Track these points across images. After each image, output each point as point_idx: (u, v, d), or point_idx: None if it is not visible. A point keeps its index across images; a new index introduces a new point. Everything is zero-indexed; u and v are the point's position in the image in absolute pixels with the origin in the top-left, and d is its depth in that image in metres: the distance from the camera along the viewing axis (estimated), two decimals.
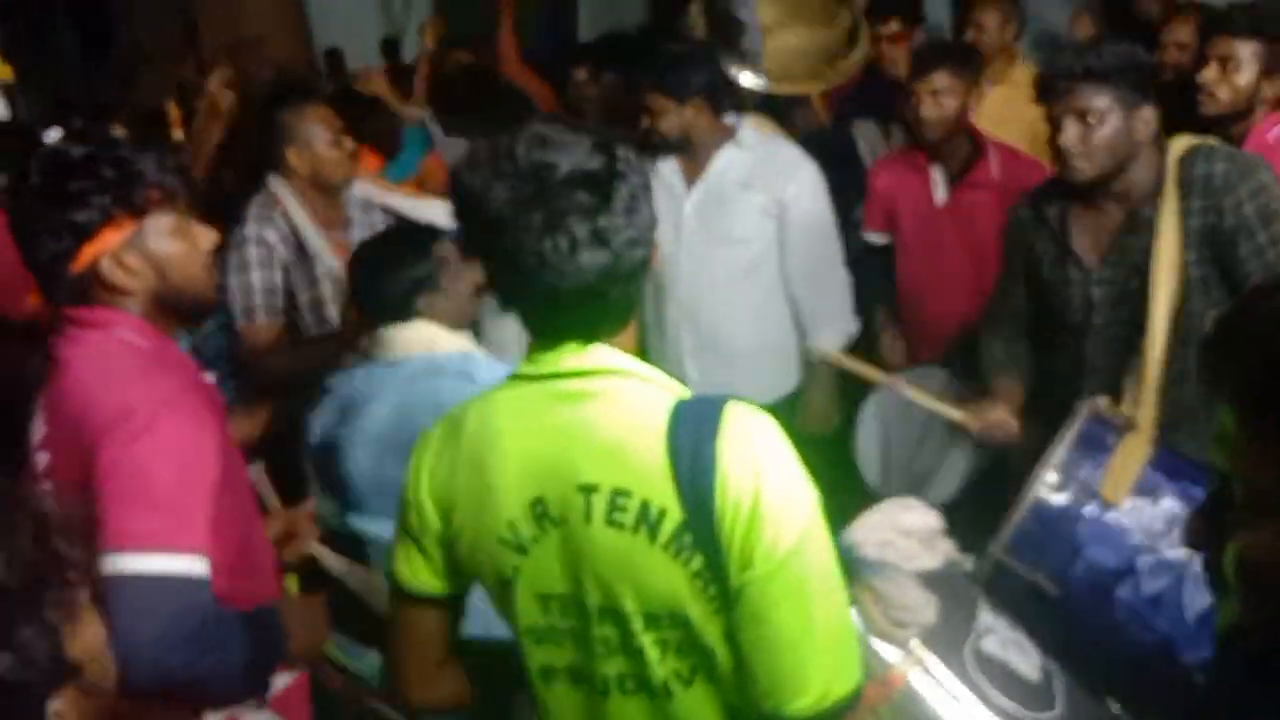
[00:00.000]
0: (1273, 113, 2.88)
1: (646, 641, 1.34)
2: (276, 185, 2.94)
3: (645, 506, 1.29)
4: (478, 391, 1.97)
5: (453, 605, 1.52)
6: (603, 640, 1.37)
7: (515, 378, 1.40)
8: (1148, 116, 2.31)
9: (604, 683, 1.40)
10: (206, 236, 1.77)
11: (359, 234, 2.97)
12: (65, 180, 1.64)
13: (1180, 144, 2.36)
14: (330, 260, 2.92)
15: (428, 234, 2.35)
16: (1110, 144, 2.30)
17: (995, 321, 2.75)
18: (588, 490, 1.31)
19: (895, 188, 3.34)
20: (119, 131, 7.79)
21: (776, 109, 3.83)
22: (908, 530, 1.80)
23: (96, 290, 1.69)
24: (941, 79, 3.11)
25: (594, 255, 1.26)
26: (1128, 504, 2.12)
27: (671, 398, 1.33)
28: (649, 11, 6.00)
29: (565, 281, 1.26)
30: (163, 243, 1.70)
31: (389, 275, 2.25)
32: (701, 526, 1.27)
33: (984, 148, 3.19)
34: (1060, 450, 2.19)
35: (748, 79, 3.69)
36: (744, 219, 3.07)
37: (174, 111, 7.36)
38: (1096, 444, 2.21)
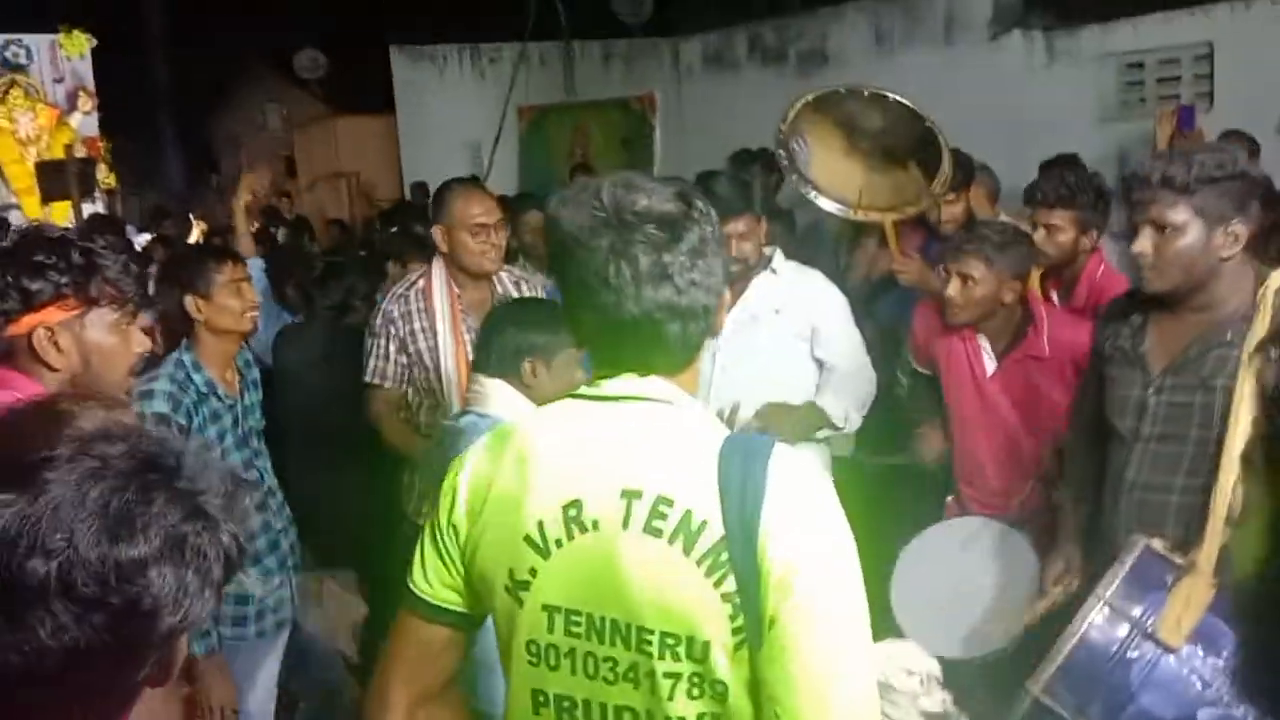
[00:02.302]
0: (1093, 256, 3.46)
1: (659, 670, 1.30)
2: (436, 264, 3.26)
3: (687, 516, 1.28)
4: None
5: (461, 626, 1.48)
6: (610, 663, 1.33)
7: (571, 396, 1.43)
8: (1237, 232, 2.15)
9: (602, 712, 1.35)
10: (140, 341, 1.91)
11: None
12: (34, 251, 1.80)
13: (1279, 276, 2.21)
14: (450, 346, 3.17)
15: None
16: (1185, 258, 2.16)
17: (1074, 435, 2.64)
18: (630, 495, 1.31)
19: (938, 346, 3.29)
20: (199, 230, 8.30)
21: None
22: (909, 669, 1.76)
23: (21, 357, 1.80)
24: (972, 266, 3.01)
25: (655, 288, 1.30)
26: (1186, 649, 1.94)
27: (723, 430, 1.37)
28: (727, 158, 6.22)
29: (625, 308, 1.30)
30: (99, 334, 1.84)
31: (509, 329, 2.34)
32: (741, 545, 1.26)
33: (1037, 317, 3.10)
34: (1113, 584, 2.02)
35: (827, 204, 3.74)
36: (777, 341, 3.15)
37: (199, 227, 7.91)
38: (1152, 581, 2.02)
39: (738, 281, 3.16)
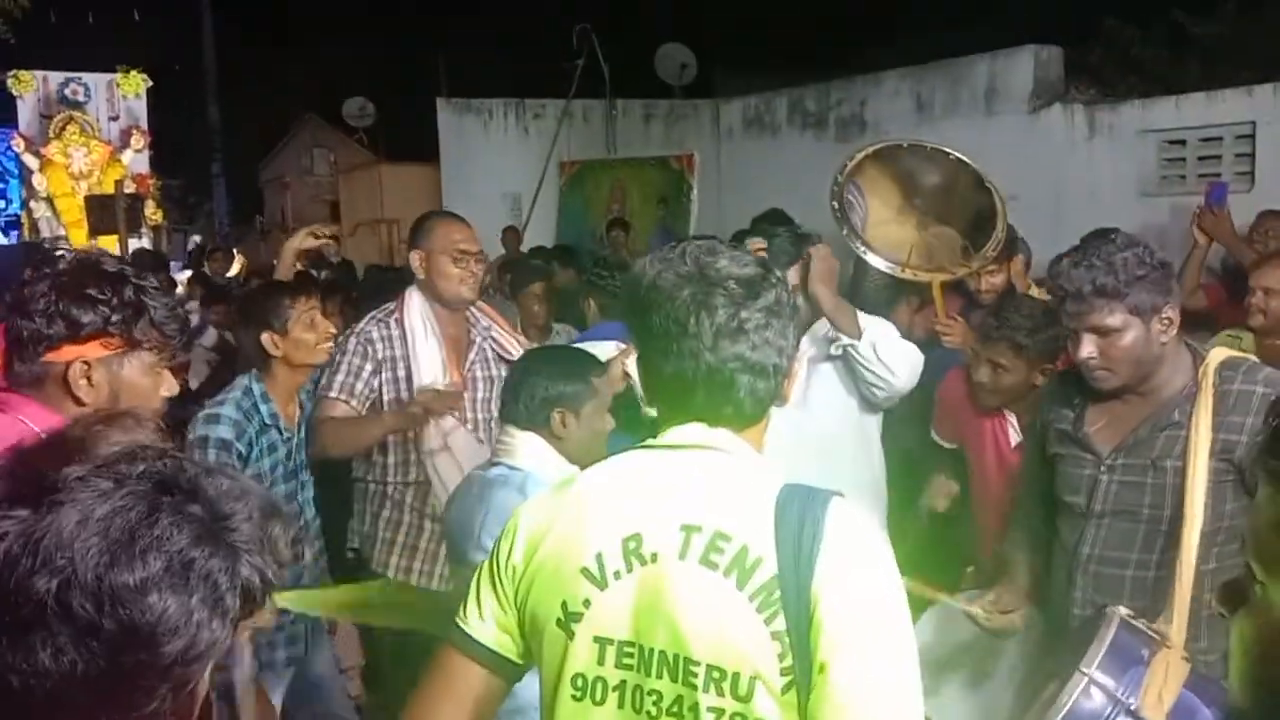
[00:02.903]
0: None
1: (703, 704, 1.31)
2: (412, 294, 3.19)
3: (743, 552, 1.32)
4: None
5: (504, 673, 1.48)
6: (655, 696, 1.34)
7: (638, 447, 1.48)
8: (1169, 315, 2.24)
9: None
10: (169, 386, 1.88)
11: (477, 359, 3.25)
12: (88, 282, 1.75)
13: (1219, 354, 2.30)
14: (434, 375, 3.11)
15: (592, 362, 2.45)
16: (1132, 354, 2.24)
17: (1020, 504, 2.67)
18: (689, 529, 1.35)
19: (965, 419, 3.29)
20: (240, 265, 8.46)
21: None
22: None
23: (51, 384, 1.75)
24: (1001, 353, 3.03)
25: (731, 341, 1.37)
26: None
27: (783, 478, 1.40)
28: (754, 218, 6.24)
29: (702, 357, 1.37)
30: (134, 375, 1.79)
31: (536, 379, 2.35)
32: (795, 586, 1.29)
33: None
34: (1096, 658, 2.04)
35: (876, 260, 3.69)
36: (827, 378, 3.09)
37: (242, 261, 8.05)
38: (1131, 656, 2.05)
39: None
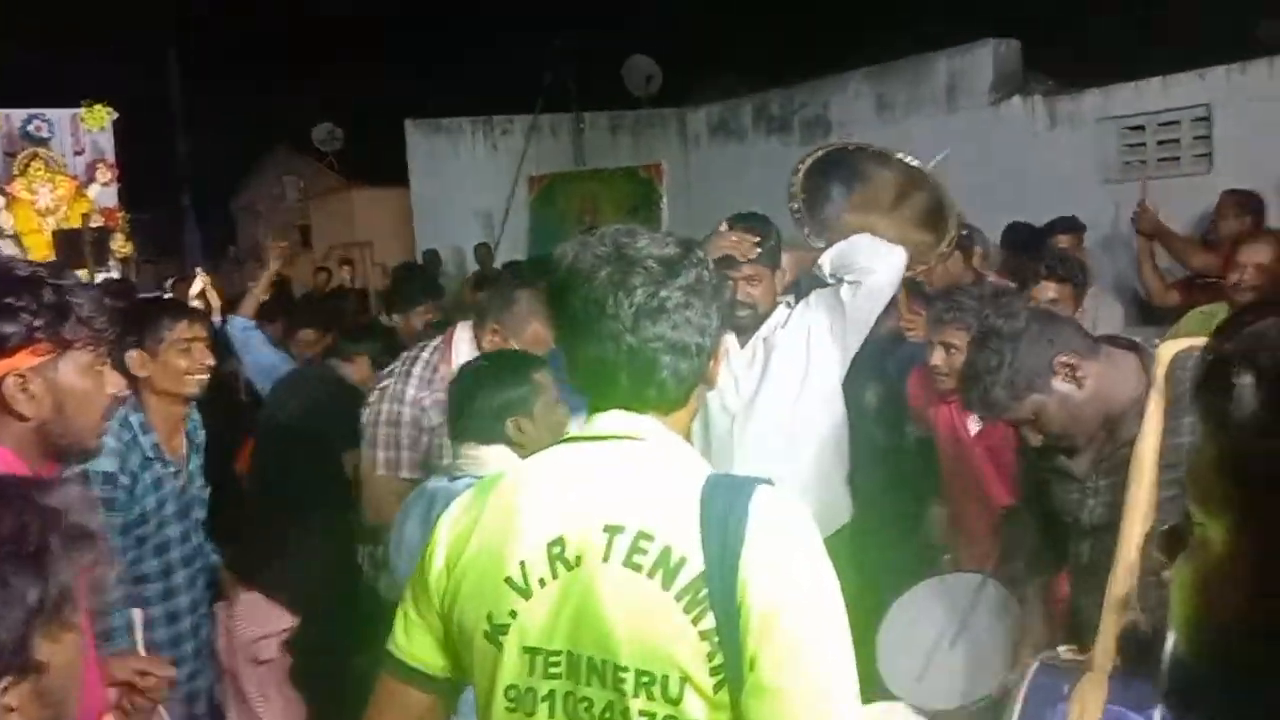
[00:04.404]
0: None
1: (633, 709, 1.28)
2: (461, 340, 3.10)
3: (667, 552, 1.29)
4: None
5: (440, 692, 1.47)
6: (586, 703, 1.32)
7: (562, 440, 1.46)
8: (1064, 361, 2.12)
9: None
10: (114, 383, 1.78)
11: None
12: (3, 291, 1.63)
13: (1168, 351, 2.06)
14: None
15: (528, 361, 2.43)
16: (1065, 419, 2.16)
17: (1023, 516, 2.64)
18: (612, 530, 1.32)
19: (929, 410, 3.34)
20: (203, 281, 8.37)
21: None
22: None
23: None
24: (954, 335, 3.02)
25: (652, 321, 1.34)
26: None
27: (709, 469, 1.38)
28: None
29: (622, 339, 1.34)
30: (72, 378, 1.69)
31: (483, 394, 2.32)
32: (721, 582, 1.26)
33: None
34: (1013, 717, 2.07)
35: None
36: (788, 352, 3.14)
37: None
38: (1049, 698, 2.05)
39: (748, 331, 3.14)
